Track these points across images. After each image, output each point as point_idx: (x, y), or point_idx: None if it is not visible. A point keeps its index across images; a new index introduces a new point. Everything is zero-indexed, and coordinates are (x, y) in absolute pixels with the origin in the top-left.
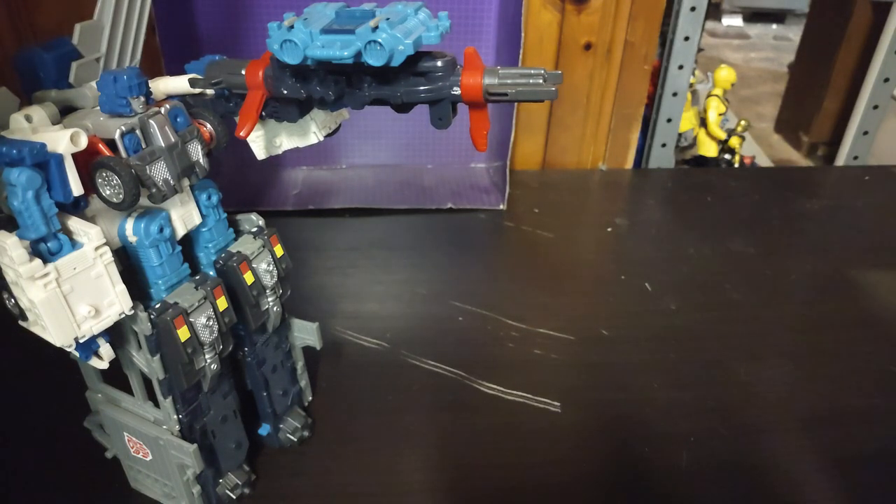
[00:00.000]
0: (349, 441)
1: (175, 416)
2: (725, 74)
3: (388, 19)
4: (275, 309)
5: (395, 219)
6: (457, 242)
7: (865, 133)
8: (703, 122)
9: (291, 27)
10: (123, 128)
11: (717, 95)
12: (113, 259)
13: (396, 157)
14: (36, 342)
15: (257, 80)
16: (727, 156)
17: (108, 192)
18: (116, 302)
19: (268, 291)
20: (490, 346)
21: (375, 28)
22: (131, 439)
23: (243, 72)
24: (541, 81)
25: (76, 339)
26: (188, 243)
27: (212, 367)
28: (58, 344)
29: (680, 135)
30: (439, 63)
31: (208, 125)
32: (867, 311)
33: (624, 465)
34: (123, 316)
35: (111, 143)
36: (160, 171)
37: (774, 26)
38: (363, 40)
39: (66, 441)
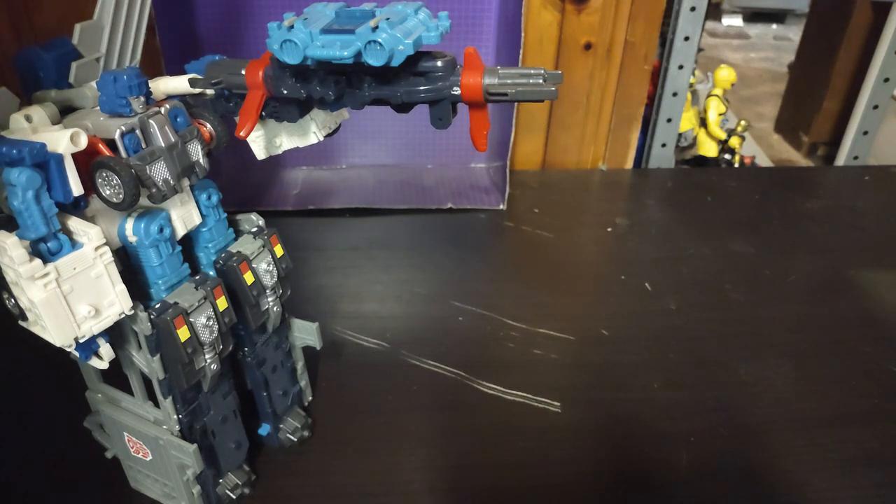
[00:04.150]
0: (349, 441)
1: (175, 416)
2: (725, 74)
3: (388, 19)
4: (275, 309)
5: (395, 219)
6: (457, 242)
7: (865, 133)
8: (703, 122)
9: (291, 27)
10: (123, 128)
11: (717, 95)
12: (113, 259)
13: (396, 157)
14: (36, 342)
15: (257, 80)
16: (727, 156)
17: (108, 192)
18: (116, 302)
19: (268, 291)
20: (490, 346)
21: (375, 28)
22: (131, 439)
23: (243, 72)
24: (541, 81)
25: (76, 339)
26: (188, 243)
27: (212, 367)
28: (58, 344)
29: (680, 135)
30: (439, 63)
31: (208, 125)
32: (867, 311)
33: (624, 465)
34: (123, 316)
35: (111, 143)
36: (160, 171)
37: (774, 26)
38: (363, 40)
39: (66, 441)
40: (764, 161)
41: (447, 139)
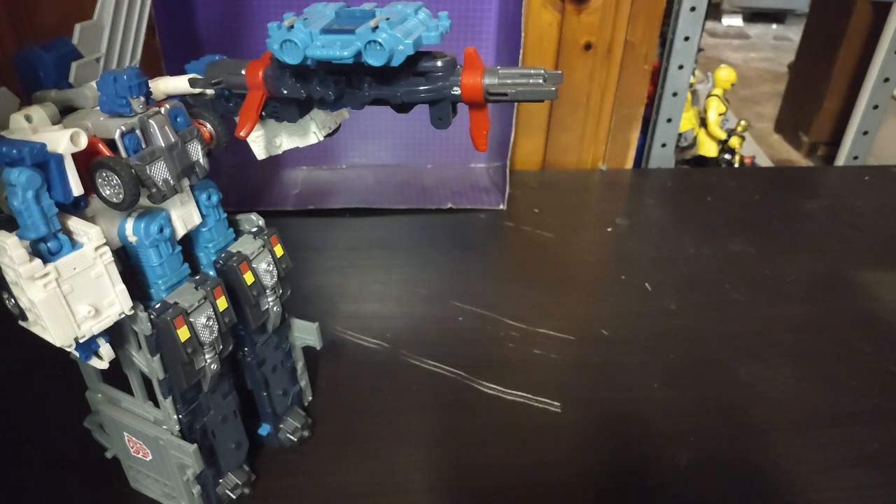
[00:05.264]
0: (349, 441)
1: (175, 416)
2: (725, 74)
3: (388, 19)
4: (275, 309)
5: (395, 219)
6: (457, 242)
7: (865, 133)
8: (703, 122)
9: (291, 27)
10: (123, 128)
11: (717, 95)
12: (113, 259)
13: (396, 157)
14: (36, 342)
15: (257, 80)
16: (727, 156)
17: (108, 192)
18: (116, 302)
19: (268, 291)
20: (490, 346)
21: (375, 28)
22: (131, 439)
23: (243, 72)
24: (541, 81)
25: (76, 339)
26: (188, 243)
27: (212, 367)
28: (58, 344)
29: (680, 135)
30: (439, 63)
31: (208, 125)
32: (867, 311)
33: (624, 465)
34: (123, 316)
35: (111, 143)
36: (160, 171)
37: (774, 26)
38: (363, 40)
39: (66, 441)
40: (764, 161)
41: (447, 139)
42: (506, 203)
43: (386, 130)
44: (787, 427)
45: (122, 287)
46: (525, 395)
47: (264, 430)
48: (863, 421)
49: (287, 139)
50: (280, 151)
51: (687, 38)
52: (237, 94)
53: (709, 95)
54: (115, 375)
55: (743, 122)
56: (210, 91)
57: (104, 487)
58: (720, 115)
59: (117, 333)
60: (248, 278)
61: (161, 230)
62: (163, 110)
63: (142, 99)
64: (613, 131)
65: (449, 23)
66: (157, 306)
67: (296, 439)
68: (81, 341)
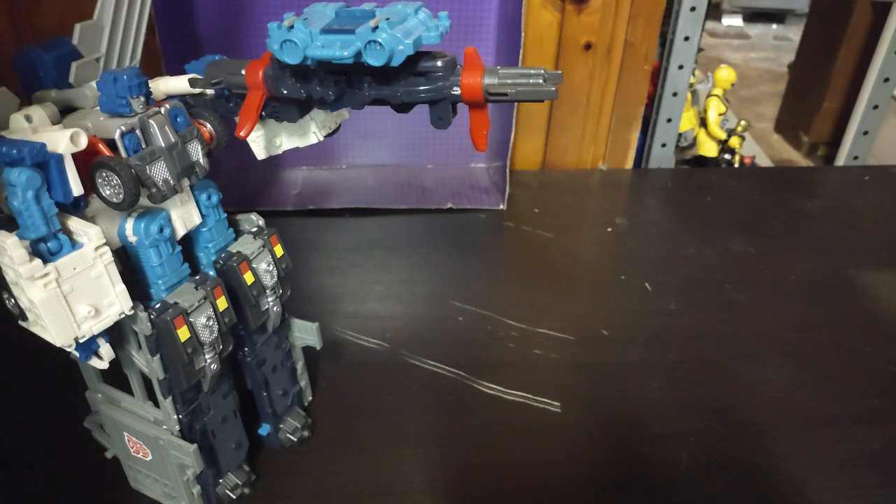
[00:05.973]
0: (349, 441)
1: (175, 416)
2: (725, 74)
3: (388, 19)
4: (275, 309)
5: (395, 219)
6: (457, 242)
7: (865, 133)
8: (703, 122)
9: (291, 27)
10: (123, 128)
11: (717, 95)
12: (113, 259)
13: (396, 157)
14: (36, 342)
15: (257, 80)
16: (727, 156)
17: (108, 192)
18: (116, 302)
19: (268, 291)
20: (490, 346)
21: (375, 28)
22: (131, 439)
23: (243, 72)
24: (541, 81)
25: (76, 339)
26: (188, 243)
27: (212, 367)
28: (58, 344)
29: (680, 135)
30: (439, 63)
31: (208, 125)
32: (867, 311)
33: (624, 465)
34: (123, 316)
35: (111, 143)
36: (160, 171)
37: (774, 26)
38: (363, 40)
39: (66, 441)
40: (764, 161)
41: (447, 139)
42: (506, 203)
43: (386, 130)
44: (787, 427)
45: (122, 287)
46: (525, 395)
47: (264, 430)
48: (863, 421)
49: (287, 139)
50: (280, 151)
51: (687, 38)
52: (237, 94)
53: (709, 95)
54: (115, 375)
55: (743, 122)
56: (210, 91)
57: (104, 487)
58: (720, 115)
59: (117, 333)
60: (248, 278)
61: (161, 230)
62: (163, 110)
63: (142, 99)
64: (613, 131)
65: (449, 23)
66: (157, 306)
67: (296, 439)
68: (81, 341)
